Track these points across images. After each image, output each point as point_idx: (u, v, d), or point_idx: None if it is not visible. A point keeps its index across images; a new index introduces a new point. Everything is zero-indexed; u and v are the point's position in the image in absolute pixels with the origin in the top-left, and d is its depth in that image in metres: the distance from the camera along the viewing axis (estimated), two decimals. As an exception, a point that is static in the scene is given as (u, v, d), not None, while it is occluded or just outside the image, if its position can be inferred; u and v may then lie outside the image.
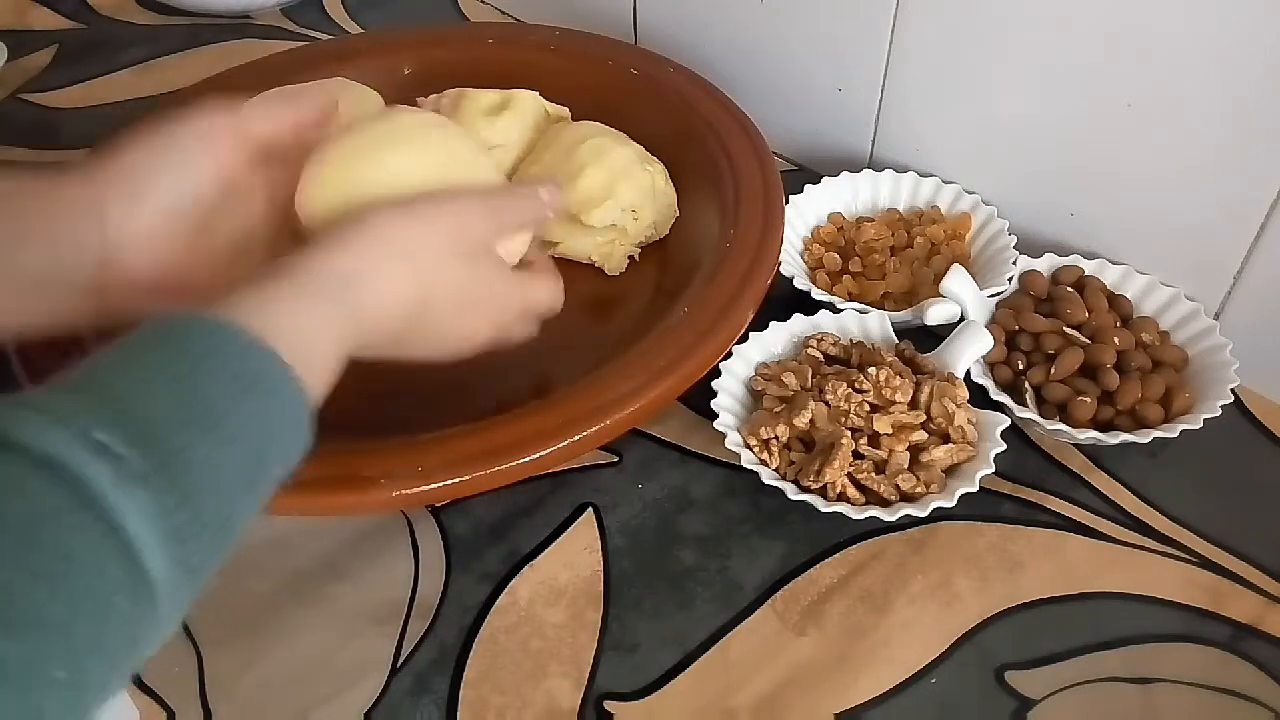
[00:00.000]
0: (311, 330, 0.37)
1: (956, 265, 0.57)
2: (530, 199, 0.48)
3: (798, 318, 0.57)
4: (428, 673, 0.46)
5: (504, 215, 0.46)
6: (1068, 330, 0.55)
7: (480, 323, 0.45)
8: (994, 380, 0.54)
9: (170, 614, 0.30)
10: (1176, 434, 0.51)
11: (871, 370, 0.52)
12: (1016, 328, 0.56)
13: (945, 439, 0.51)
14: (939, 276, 0.57)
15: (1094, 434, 0.51)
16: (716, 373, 0.53)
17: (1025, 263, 0.59)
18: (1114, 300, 0.58)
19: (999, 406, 0.53)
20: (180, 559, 0.29)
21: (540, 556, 0.51)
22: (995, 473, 0.49)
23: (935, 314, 0.56)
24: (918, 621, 0.48)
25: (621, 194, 0.61)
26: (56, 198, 0.41)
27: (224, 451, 0.32)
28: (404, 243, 0.41)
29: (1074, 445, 0.54)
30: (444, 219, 0.43)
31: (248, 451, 0.33)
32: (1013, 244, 0.60)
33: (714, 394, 0.52)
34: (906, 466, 0.50)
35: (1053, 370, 0.54)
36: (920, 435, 0.50)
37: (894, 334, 0.57)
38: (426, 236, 0.42)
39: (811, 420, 0.51)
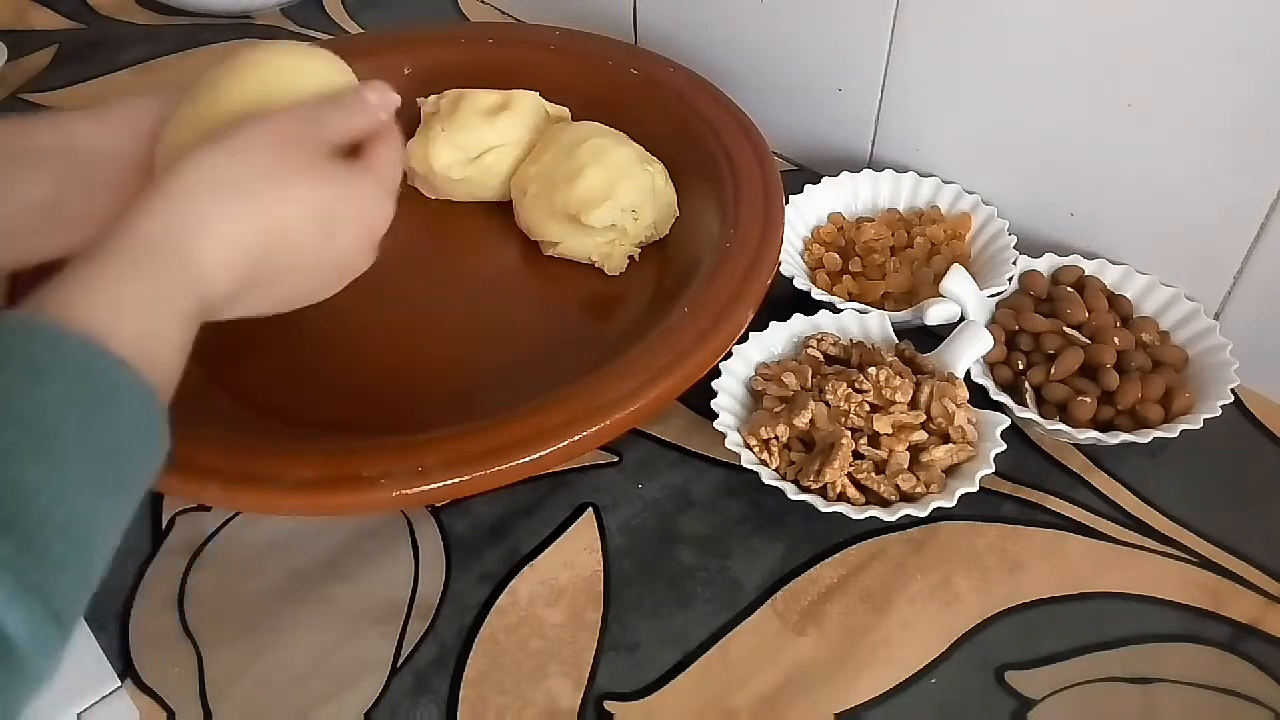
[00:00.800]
0: (146, 308, 0.33)
1: (956, 265, 0.57)
2: (355, 102, 0.43)
3: (798, 318, 0.57)
4: (428, 673, 0.46)
5: (327, 120, 0.41)
6: (1068, 330, 0.55)
7: (353, 237, 0.41)
8: (994, 380, 0.54)
9: (44, 665, 0.27)
10: (1176, 434, 0.51)
11: (871, 370, 0.52)
12: (1016, 328, 0.56)
13: (945, 439, 0.51)
14: (939, 276, 0.57)
15: (1094, 434, 0.51)
16: (716, 373, 0.53)
17: (1025, 263, 0.59)
18: (1114, 300, 0.58)
19: (999, 406, 0.53)
20: (38, 608, 0.26)
21: (540, 556, 0.51)
22: (995, 473, 0.49)
23: (935, 314, 0.56)
24: (918, 621, 0.48)
25: (621, 194, 0.61)
26: (69, 133, 0.42)
27: (61, 475, 0.28)
28: (229, 174, 0.37)
29: (1074, 445, 0.54)
30: (262, 138, 0.39)
31: (91, 468, 0.29)
32: (1013, 244, 0.60)
33: (714, 394, 0.52)
34: (906, 466, 0.50)
35: (1053, 370, 0.54)
36: (920, 435, 0.50)
37: (894, 334, 0.57)
38: (252, 161, 0.38)
39: (811, 420, 0.51)
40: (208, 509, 0.52)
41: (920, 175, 0.65)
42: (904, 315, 0.58)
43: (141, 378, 0.31)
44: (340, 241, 0.41)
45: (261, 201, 0.37)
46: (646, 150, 0.64)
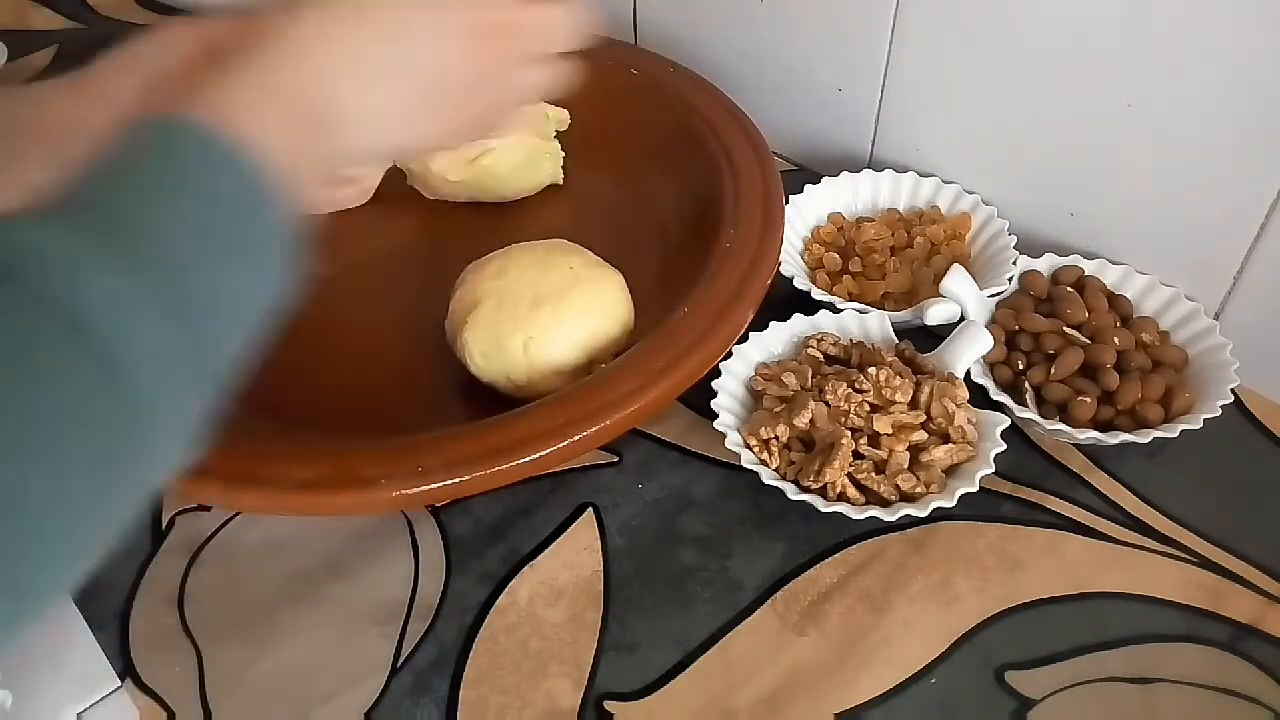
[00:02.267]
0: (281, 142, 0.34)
1: (956, 265, 0.57)
2: None
3: (798, 318, 0.57)
4: (428, 673, 0.46)
5: None
6: (1068, 330, 0.55)
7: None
8: (994, 380, 0.54)
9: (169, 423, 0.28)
10: (1176, 434, 0.51)
11: (871, 370, 0.52)
12: (1016, 328, 0.56)
13: (945, 439, 0.51)
14: (939, 276, 0.57)
15: (1094, 434, 0.51)
16: (716, 373, 0.53)
17: (1025, 263, 0.59)
18: (1114, 300, 0.58)
19: (999, 406, 0.53)
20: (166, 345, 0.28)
21: (540, 556, 0.51)
22: (995, 473, 0.49)
23: (935, 314, 0.56)
24: (918, 621, 0.48)
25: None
26: (46, 108, 0.41)
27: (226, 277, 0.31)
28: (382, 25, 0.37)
29: (1074, 445, 0.54)
30: None
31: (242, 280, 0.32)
32: (1013, 244, 0.60)
33: (714, 394, 0.52)
34: (906, 466, 0.50)
35: (1053, 370, 0.54)
36: (920, 435, 0.50)
37: (894, 334, 0.57)
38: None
39: (811, 420, 0.51)
40: (208, 509, 0.52)
41: (920, 175, 0.65)
42: (904, 315, 0.58)
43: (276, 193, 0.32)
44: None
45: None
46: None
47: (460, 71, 0.39)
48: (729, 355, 0.54)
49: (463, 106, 0.40)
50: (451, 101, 0.40)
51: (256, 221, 0.32)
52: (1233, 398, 0.52)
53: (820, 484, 0.49)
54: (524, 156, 0.66)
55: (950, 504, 0.48)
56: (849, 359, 0.55)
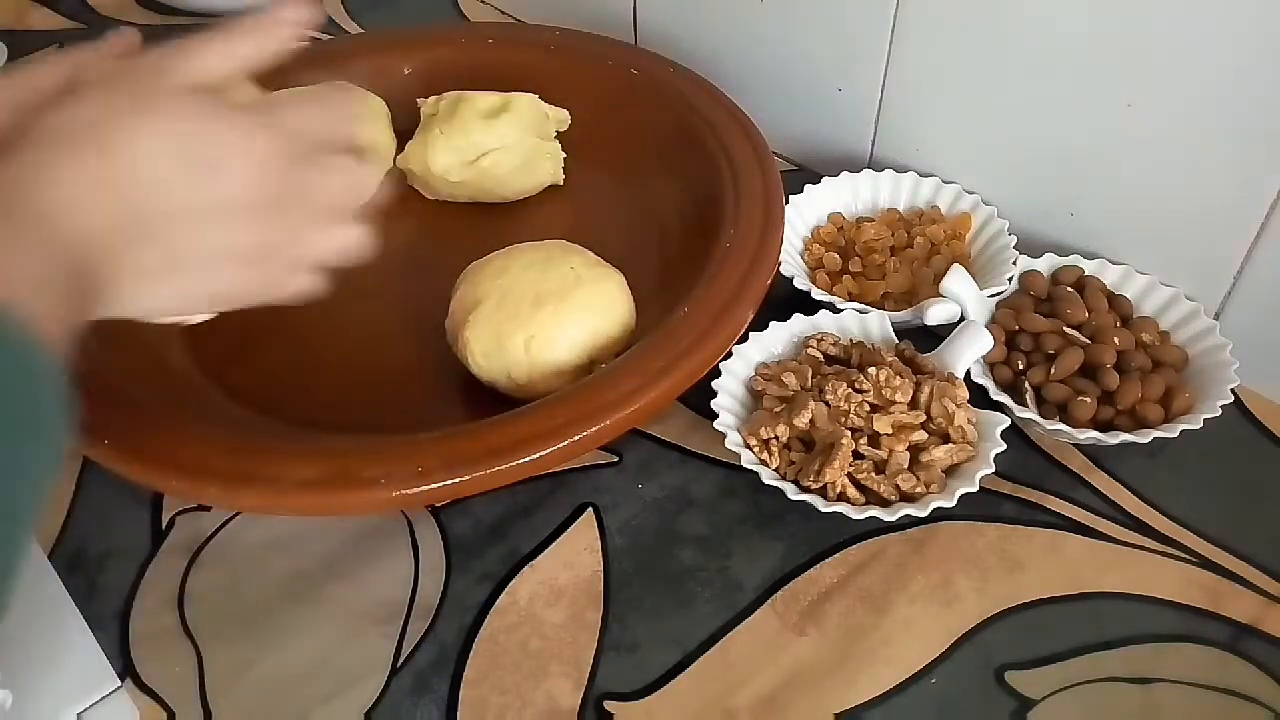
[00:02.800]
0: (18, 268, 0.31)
1: (956, 265, 0.57)
2: (203, 45, 0.39)
3: (798, 318, 0.57)
4: (428, 673, 0.46)
5: (192, 52, 0.38)
6: (1068, 330, 0.55)
7: (238, 170, 0.37)
8: (994, 380, 0.54)
9: None
10: (1176, 434, 0.51)
11: (871, 370, 0.52)
12: (1016, 328, 0.56)
13: (945, 439, 0.51)
14: (939, 276, 0.57)
15: (1094, 434, 0.51)
16: (716, 373, 0.53)
17: (1025, 263, 0.59)
18: (1114, 300, 0.58)
19: (999, 406, 0.53)
20: None
21: (540, 556, 0.51)
22: (995, 473, 0.49)
23: (935, 314, 0.56)
24: (918, 621, 0.48)
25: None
26: None
27: None
28: (71, 120, 0.35)
29: (1074, 445, 0.54)
30: (110, 79, 0.36)
31: None
32: (1013, 244, 0.60)
33: (714, 394, 0.52)
34: (906, 466, 0.50)
35: (1053, 370, 0.54)
36: (920, 435, 0.50)
37: (894, 334, 0.57)
38: (93, 104, 0.35)
39: (811, 420, 0.51)
40: (208, 509, 0.53)
41: (920, 175, 0.65)
42: (904, 315, 0.58)
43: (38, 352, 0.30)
44: (222, 177, 0.37)
45: (105, 142, 0.35)
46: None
47: (247, 238, 0.38)
48: (729, 355, 0.54)
49: (247, 269, 0.39)
50: (232, 265, 0.39)
51: (30, 400, 0.30)
52: (1233, 398, 0.52)
53: (820, 484, 0.49)
54: (524, 156, 0.66)
55: (950, 504, 0.48)
56: (849, 359, 0.55)
